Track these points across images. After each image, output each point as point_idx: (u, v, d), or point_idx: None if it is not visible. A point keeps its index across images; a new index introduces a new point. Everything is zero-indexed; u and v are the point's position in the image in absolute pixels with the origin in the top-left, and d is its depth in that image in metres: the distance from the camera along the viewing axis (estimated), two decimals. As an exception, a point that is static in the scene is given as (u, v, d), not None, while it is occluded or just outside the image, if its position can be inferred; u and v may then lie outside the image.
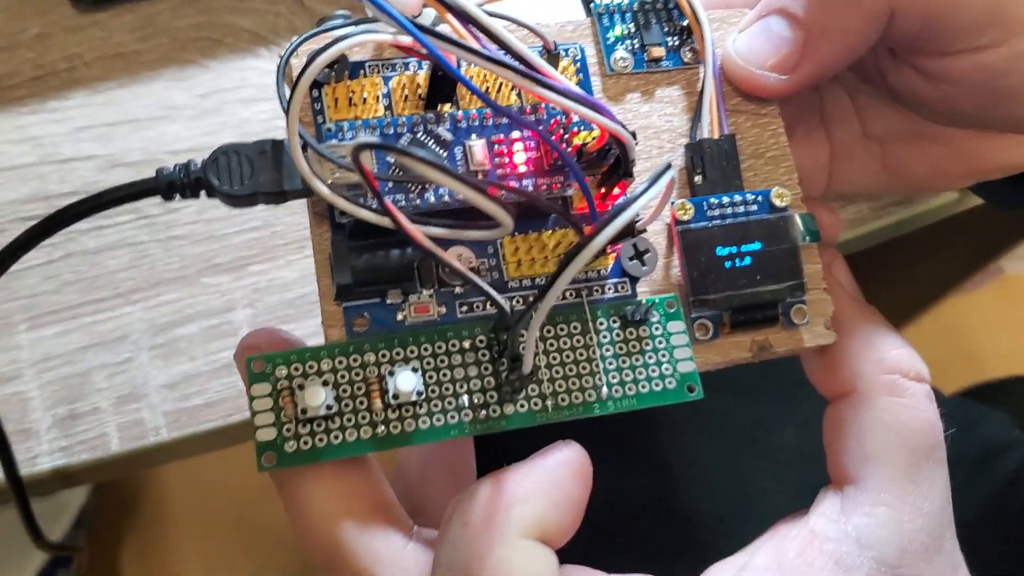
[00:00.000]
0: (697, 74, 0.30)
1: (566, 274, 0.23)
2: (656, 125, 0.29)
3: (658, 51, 0.29)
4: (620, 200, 0.26)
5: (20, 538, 0.93)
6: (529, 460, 0.25)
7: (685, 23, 0.30)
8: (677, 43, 0.30)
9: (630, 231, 0.26)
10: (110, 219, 0.41)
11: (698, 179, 0.28)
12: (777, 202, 0.28)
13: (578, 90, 0.24)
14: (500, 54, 0.24)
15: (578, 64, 0.29)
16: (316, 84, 0.26)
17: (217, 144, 0.41)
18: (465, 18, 0.24)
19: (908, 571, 0.26)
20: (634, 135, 0.25)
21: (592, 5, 0.29)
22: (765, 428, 0.51)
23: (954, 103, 0.31)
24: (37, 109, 0.43)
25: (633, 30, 0.30)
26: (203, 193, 0.24)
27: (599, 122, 0.24)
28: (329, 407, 0.24)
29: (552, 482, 0.24)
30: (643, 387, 0.26)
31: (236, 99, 0.44)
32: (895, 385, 0.28)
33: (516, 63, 0.24)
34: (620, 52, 0.29)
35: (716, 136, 0.29)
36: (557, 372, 0.26)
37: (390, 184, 0.25)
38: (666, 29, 0.30)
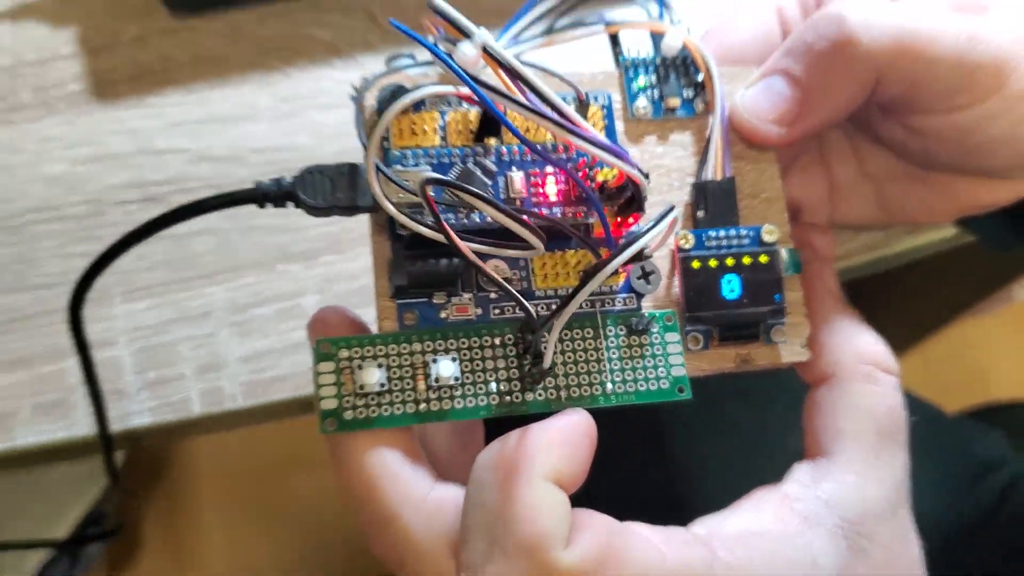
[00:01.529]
0: (707, 123, 0.33)
1: (585, 289, 0.27)
2: (668, 165, 0.32)
3: (674, 101, 0.33)
4: (633, 230, 0.30)
5: (59, 497, 0.96)
6: (545, 421, 0.28)
7: (700, 78, 0.33)
8: (692, 95, 0.33)
9: (639, 257, 0.29)
10: (198, 207, 0.44)
11: (700, 214, 0.32)
12: (767, 237, 0.31)
13: (602, 139, 0.28)
14: (541, 105, 0.27)
15: (605, 110, 0.32)
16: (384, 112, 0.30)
17: (293, 144, 0.46)
18: (514, 74, 0.27)
19: (866, 529, 0.29)
20: (647, 176, 0.29)
21: (620, 58, 0.33)
22: (774, 433, 0.53)
23: (932, 153, 0.34)
24: (135, 104, 0.45)
25: (654, 81, 0.33)
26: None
27: (619, 166, 0.28)
28: (382, 385, 0.28)
29: (566, 438, 0.27)
30: (641, 386, 0.30)
31: (312, 104, 0.46)
32: (869, 374, 0.31)
33: (553, 114, 0.27)
34: (642, 100, 0.32)
35: (719, 178, 0.32)
36: (571, 368, 0.29)
37: (442, 206, 0.29)
38: (683, 82, 0.33)
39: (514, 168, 0.30)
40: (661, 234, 0.29)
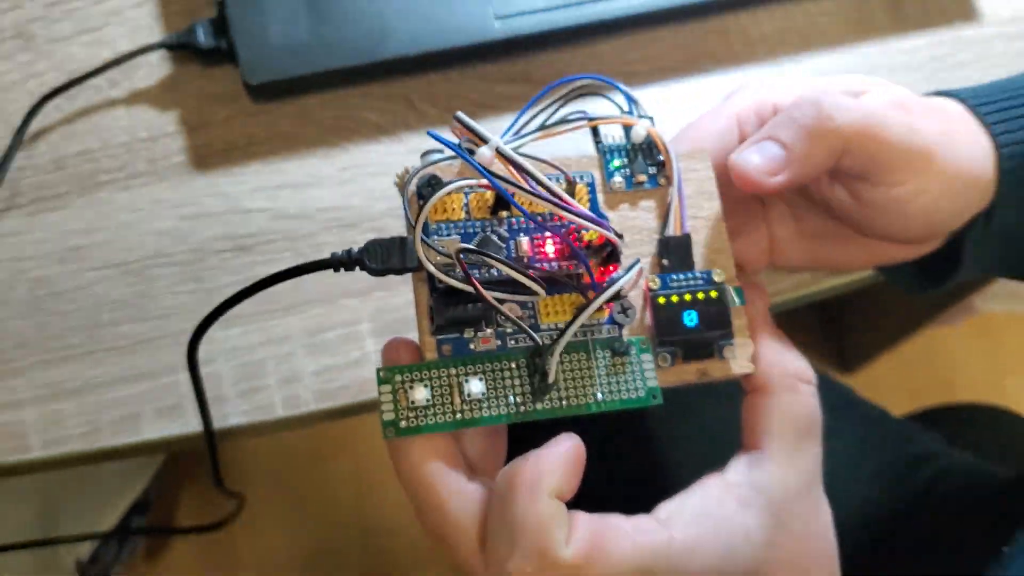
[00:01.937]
0: (667, 192, 0.38)
1: (577, 322, 0.35)
2: (638, 226, 0.38)
3: (642, 177, 0.38)
4: (612, 277, 0.37)
5: (108, 488, 1.02)
6: (546, 446, 0.33)
7: (661, 158, 0.39)
8: (655, 171, 0.39)
9: (617, 296, 0.36)
10: (276, 255, 0.52)
11: (665, 262, 0.37)
12: (716, 278, 0.37)
13: (586, 211, 0.35)
14: (540, 189, 0.35)
15: (589, 186, 0.39)
16: (422, 196, 0.36)
17: (350, 204, 0.54)
18: (519, 168, 0.35)
19: (788, 507, 0.34)
20: (621, 236, 0.36)
21: (599, 145, 0.39)
22: (732, 428, 0.59)
23: (869, 219, 0.39)
24: (225, 173, 0.53)
25: (626, 162, 0.38)
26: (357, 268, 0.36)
27: (599, 231, 0.35)
28: (428, 400, 0.33)
29: (562, 461, 0.33)
30: (623, 395, 0.35)
31: (365, 173, 0.53)
32: (793, 386, 0.36)
33: (549, 195, 0.35)
34: (617, 177, 0.38)
35: (678, 234, 0.38)
36: (569, 383, 0.35)
37: (469, 264, 0.37)
38: (648, 162, 0.39)
39: (521, 234, 0.37)
40: (631, 279, 0.36)
